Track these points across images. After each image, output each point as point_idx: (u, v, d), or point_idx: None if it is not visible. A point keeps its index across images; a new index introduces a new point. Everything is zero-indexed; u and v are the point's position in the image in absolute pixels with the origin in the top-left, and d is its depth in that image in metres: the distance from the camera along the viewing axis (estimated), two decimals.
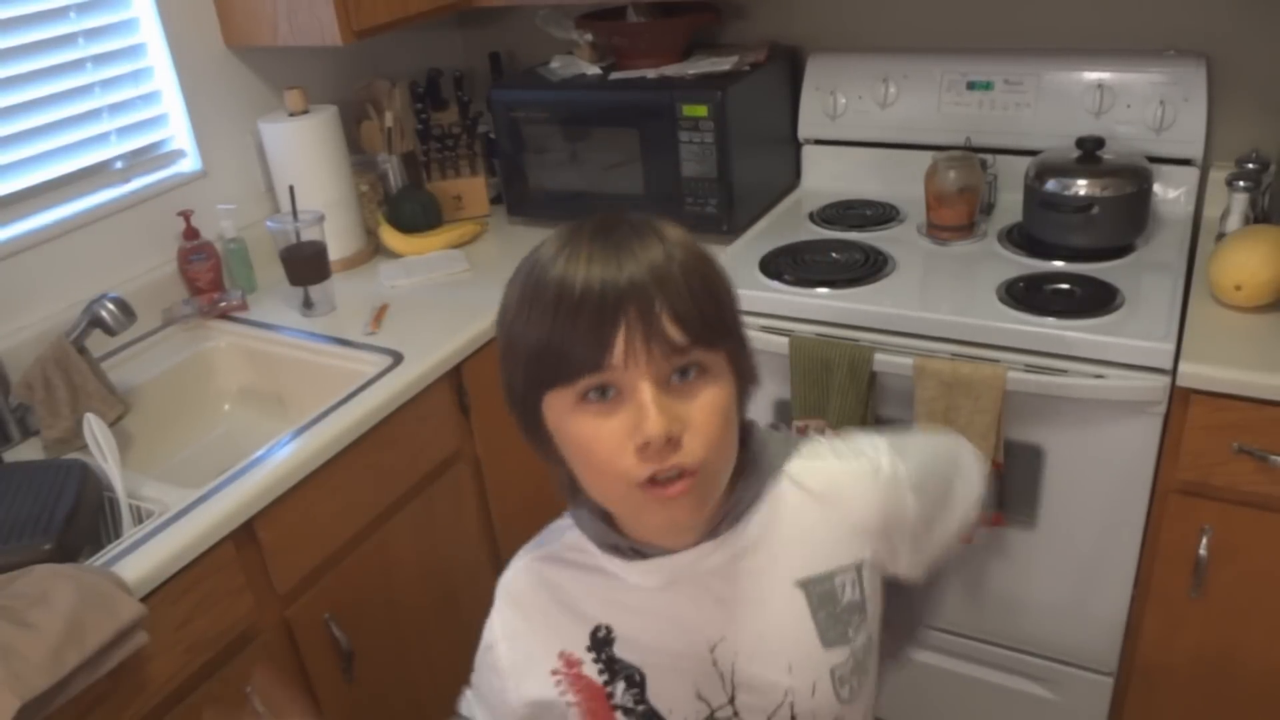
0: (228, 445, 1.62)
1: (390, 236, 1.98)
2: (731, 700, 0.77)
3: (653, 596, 0.77)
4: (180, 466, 1.58)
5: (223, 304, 1.78)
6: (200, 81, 1.82)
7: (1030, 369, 1.46)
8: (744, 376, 0.74)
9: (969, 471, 0.89)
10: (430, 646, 1.66)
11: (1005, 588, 1.65)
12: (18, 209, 1.59)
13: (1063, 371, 1.45)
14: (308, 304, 1.76)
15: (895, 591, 0.85)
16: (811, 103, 2.03)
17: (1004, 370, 1.45)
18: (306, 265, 1.75)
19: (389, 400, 1.49)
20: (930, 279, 1.67)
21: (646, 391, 0.66)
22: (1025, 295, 1.55)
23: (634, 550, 0.77)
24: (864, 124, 2.00)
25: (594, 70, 2.00)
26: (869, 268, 1.69)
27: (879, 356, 1.53)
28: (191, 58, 1.80)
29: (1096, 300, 1.52)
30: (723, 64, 1.91)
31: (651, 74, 1.93)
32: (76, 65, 1.64)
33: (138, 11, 1.73)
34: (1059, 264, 1.65)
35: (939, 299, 1.59)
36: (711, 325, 0.69)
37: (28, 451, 1.46)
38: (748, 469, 0.77)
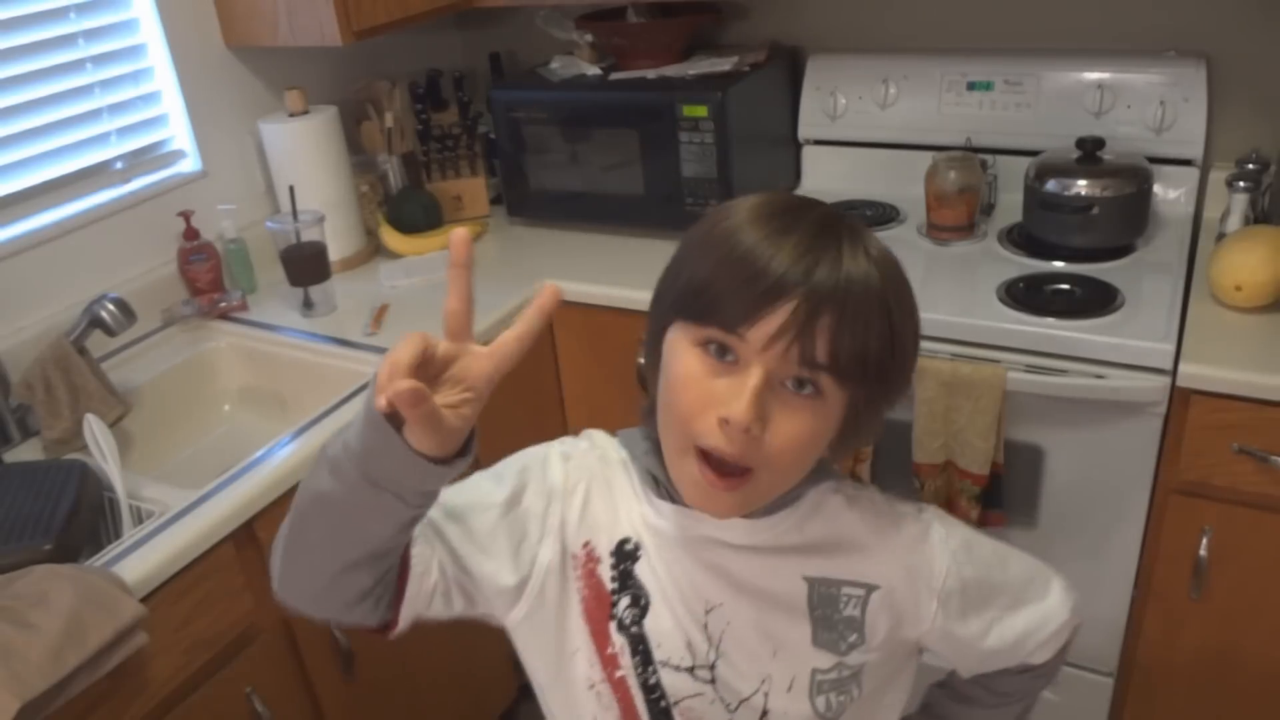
0: (228, 445, 1.62)
1: (390, 237, 1.99)
2: (712, 666, 0.77)
3: (672, 541, 0.78)
4: (180, 467, 1.58)
5: (223, 304, 1.78)
6: (200, 82, 1.82)
7: (1030, 369, 1.46)
8: (857, 426, 0.72)
9: (1047, 598, 0.87)
10: (430, 646, 1.66)
11: None
12: (18, 209, 1.59)
13: (1063, 371, 1.45)
14: (308, 304, 1.76)
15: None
16: (812, 103, 2.03)
17: (1004, 370, 1.45)
18: (306, 265, 1.75)
19: None
20: (930, 279, 1.67)
21: (757, 378, 0.66)
22: (1025, 295, 1.55)
23: (667, 493, 0.77)
24: (864, 124, 2.00)
25: (594, 71, 2.00)
26: None
27: None
28: (191, 58, 1.80)
29: (1096, 300, 1.52)
30: (723, 64, 1.91)
31: (651, 74, 1.93)
32: (76, 65, 1.64)
33: (138, 12, 1.73)
34: (1059, 264, 1.65)
35: (939, 299, 1.59)
36: (861, 365, 0.67)
37: (28, 451, 1.46)
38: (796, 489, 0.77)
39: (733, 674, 0.78)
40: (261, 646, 1.34)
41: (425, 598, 0.80)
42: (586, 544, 0.79)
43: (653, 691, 0.78)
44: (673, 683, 0.77)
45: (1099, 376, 1.43)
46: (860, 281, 0.66)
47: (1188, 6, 1.74)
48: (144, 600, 1.14)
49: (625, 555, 0.79)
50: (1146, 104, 1.75)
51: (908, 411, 1.54)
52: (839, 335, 0.65)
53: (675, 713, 0.78)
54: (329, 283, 1.78)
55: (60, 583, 1.08)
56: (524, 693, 2.00)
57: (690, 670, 0.77)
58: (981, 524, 1.56)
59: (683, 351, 0.70)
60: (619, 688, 0.78)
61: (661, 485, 0.78)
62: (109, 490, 1.33)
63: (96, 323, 1.51)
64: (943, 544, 0.79)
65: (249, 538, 1.30)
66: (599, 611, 0.79)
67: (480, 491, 0.80)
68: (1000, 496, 1.55)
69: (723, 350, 0.68)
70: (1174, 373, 1.38)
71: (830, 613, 0.77)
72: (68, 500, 1.23)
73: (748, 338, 0.66)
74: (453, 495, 0.80)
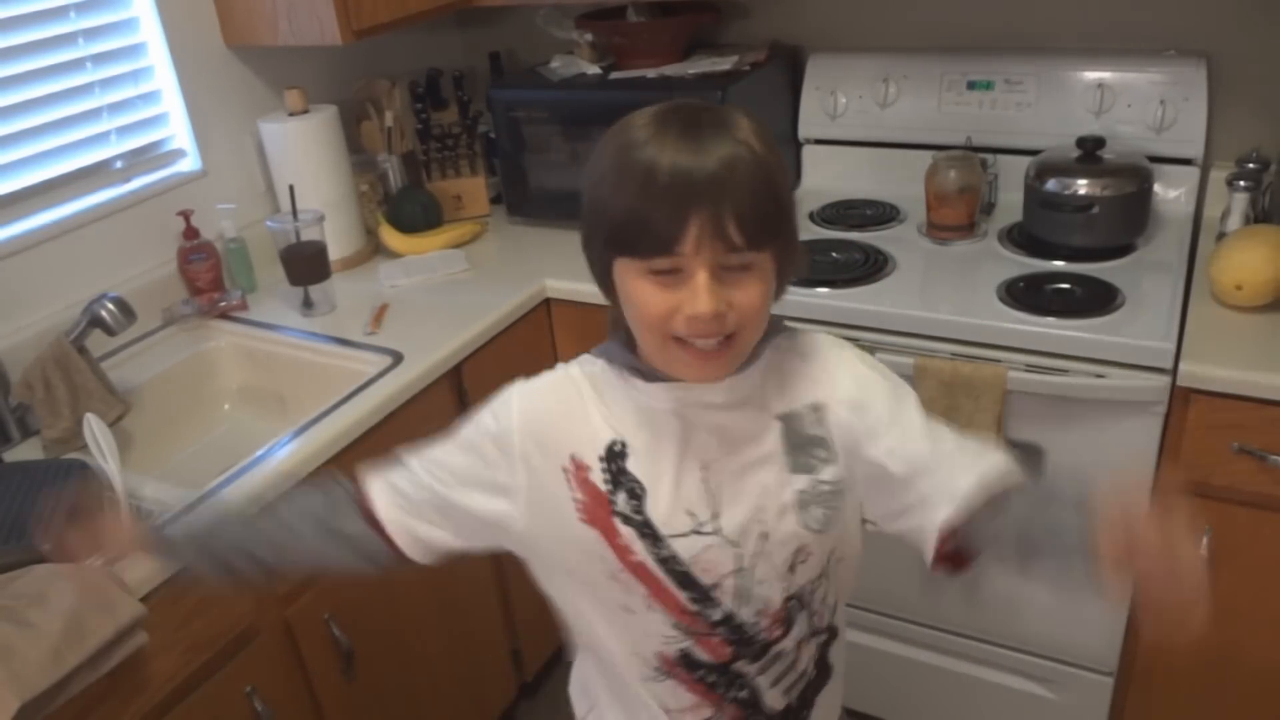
0: (228, 445, 1.62)
1: (390, 236, 1.98)
2: (715, 517, 0.87)
3: (663, 417, 0.88)
4: (180, 466, 1.58)
5: (223, 304, 1.78)
6: (200, 81, 1.82)
7: (1030, 369, 1.46)
8: (784, 269, 0.85)
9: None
10: (430, 646, 1.66)
11: (1005, 588, 1.65)
12: (18, 209, 1.59)
13: (1063, 371, 1.45)
14: (308, 304, 1.76)
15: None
16: (812, 102, 2.03)
17: (1004, 370, 1.45)
18: (306, 265, 1.75)
19: (389, 400, 1.49)
20: (930, 279, 1.67)
21: (703, 277, 0.78)
22: (1025, 295, 1.55)
23: (654, 374, 0.88)
24: (864, 124, 2.00)
25: (594, 70, 2.00)
26: (869, 267, 1.69)
27: (879, 356, 1.52)
28: (191, 57, 1.80)
29: (1097, 300, 1.52)
30: (723, 64, 1.91)
31: (651, 74, 1.93)
32: (76, 65, 1.64)
33: (137, 11, 1.73)
34: (1059, 264, 1.65)
35: (939, 299, 1.58)
36: (766, 228, 0.79)
37: (28, 451, 1.46)
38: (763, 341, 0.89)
39: (732, 518, 0.87)
40: (261, 646, 1.34)
41: (417, 532, 0.96)
42: (572, 457, 0.88)
43: (668, 562, 0.87)
44: (684, 547, 0.87)
45: (1099, 376, 1.43)
46: (744, 162, 0.78)
47: (1188, 6, 1.74)
48: (144, 600, 1.14)
49: (614, 455, 0.88)
50: (1147, 103, 1.75)
51: None
52: (743, 216, 0.77)
53: (693, 570, 0.88)
54: (329, 282, 1.78)
55: (60, 582, 1.08)
56: (524, 692, 2.00)
57: (696, 531, 0.87)
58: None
59: (636, 282, 0.81)
60: (638, 570, 0.87)
61: (645, 372, 0.88)
62: (109, 490, 1.33)
63: (96, 322, 1.51)
64: (851, 363, 0.92)
65: None
66: (600, 510, 0.87)
67: (442, 450, 0.94)
68: None
69: (669, 270, 0.79)
70: (1174, 372, 1.38)
71: (799, 440, 0.89)
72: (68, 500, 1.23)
73: (682, 251, 0.78)
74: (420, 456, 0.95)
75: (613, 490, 0.87)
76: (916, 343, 1.54)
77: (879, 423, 0.88)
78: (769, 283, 0.83)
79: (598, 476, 0.87)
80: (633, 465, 0.87)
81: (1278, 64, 1.71)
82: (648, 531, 0.87)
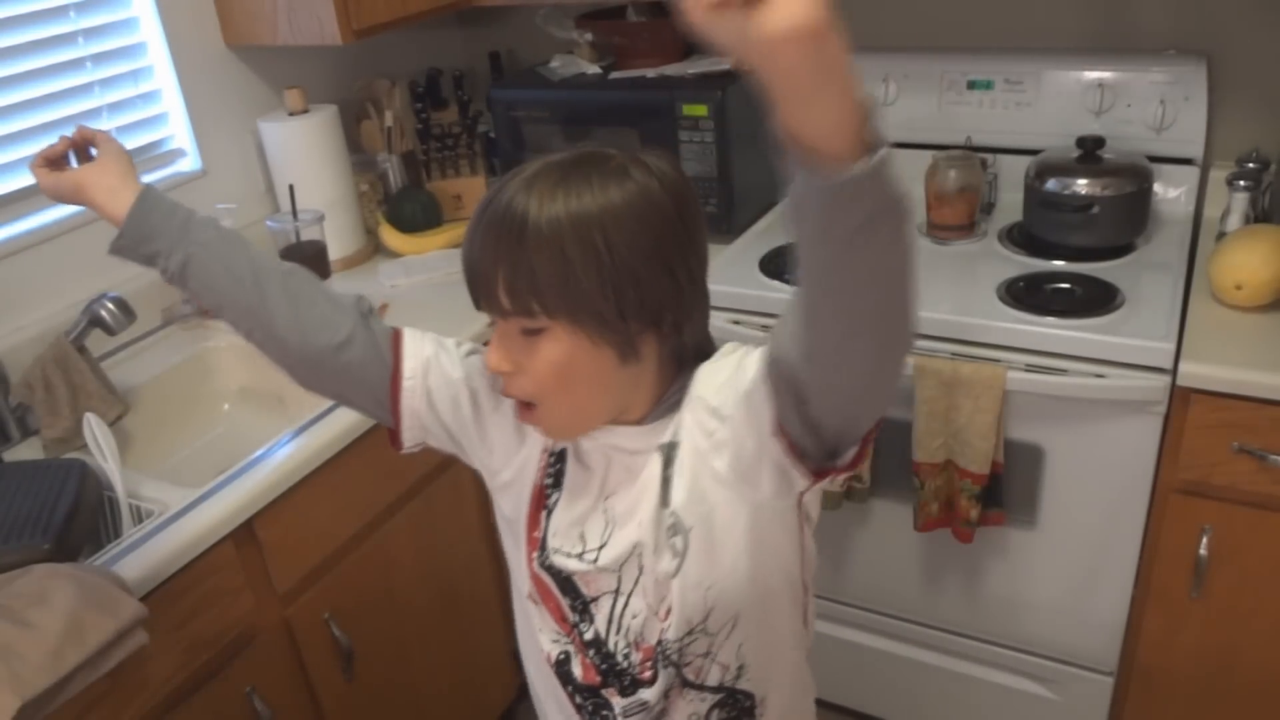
0: (227, 445, 1.62)
1: (390, 236, 1.98)
2: (601, 548, 0.87)
3: (585, 444, 0.89)
4: (180, 466, 1.58)
5: None
6: (200, 81, 1.82)
7: (1030, 369, 1.46)
8: (610, 338, 0.79)
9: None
10: (430, 646, 1.66)
11: (1005, 588, 1.65)
12: (17, 208, 1.59)
13: (1063, 371, 1.45)
14: None
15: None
16: None
17: (1004, 370, 1.45)
18: (306, 265, 1.72)
19: None
20: (930, 278, 1.67)
21: (494, 334, 0.82)
22: (1025, 295, 1.55)
23: None
24: None
25: (594, 70, 2.00)
26: None
27: None
28: (191, 57, 1.80)
29: (1097, 300, 1.52)
30: (723, 63, 1.91)
31: (651, 73, 1.93)
32: (76, 64, 1.64)
33: (137, 10, 1.73)
34: (1059, 263, 1.65)
35: (939, 298, 1.59)
36: (542, 298, 0.76)
37: (28, 451, 1.46)
38: (675, 391, 0.85)
39: (613, 550, 0.87)
40: (261, 646, 1.34)
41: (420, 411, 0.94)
42: (545, 448, 0.91)
43: (550, 568, 0.90)
44: (563, 563, 0.89)
45: (1099, 376, 1.43)
46: (534, 229, 0.75)
47: (1188, 6, 1.74)
48: (144, 599, 1.14)
49: (559, 456, 0.90)
50: (1147, 103, 1.75)
51: (908, 411, 1.54)
52: (510, 283, 0.77)
53: (575, 578, 0.89)
54: (328, 282, 1.78)
55: (60, 582, 1.08)
56: (523, 692, 2.00)
57: (579, 556, 0.88)
58: (981, 523, 1.56)
59: None
60: (530, 564, 0.91)
61: None
62: (109, 489, 1.33)
63: (96, 322, 1.51)
64: (712, 374, 0.86)
65: (249, 537, 1.30)
66: (537, 503, 0.91)
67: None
68: (1000, 496, 1.55)
69: (492, 322, 0.82)
70: (1174, 372, 1.38)
71: (668, 472, 0.85)
72: (67, 500, 1.23)
73: (480, 309, 0.81)
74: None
75: (551, 487, 0.90)
76: (916, 342, 1.54)
77: (723, 438, 0.82)
78: (569, 351, 0.79)
79: (548, 469, 0.90)
80: (567, 473, 0.90)
81: (1278, 64, 1.71)
82: (542, 538, 0.90)
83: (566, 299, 0.77)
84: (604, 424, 0.86)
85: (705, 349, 0.87)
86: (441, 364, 0.93)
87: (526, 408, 0.83)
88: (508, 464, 0.93)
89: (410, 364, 0.92)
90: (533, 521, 0.91)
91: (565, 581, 0.89)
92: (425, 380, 0.92)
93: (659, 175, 0.79)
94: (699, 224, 0.83)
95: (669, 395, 0.86)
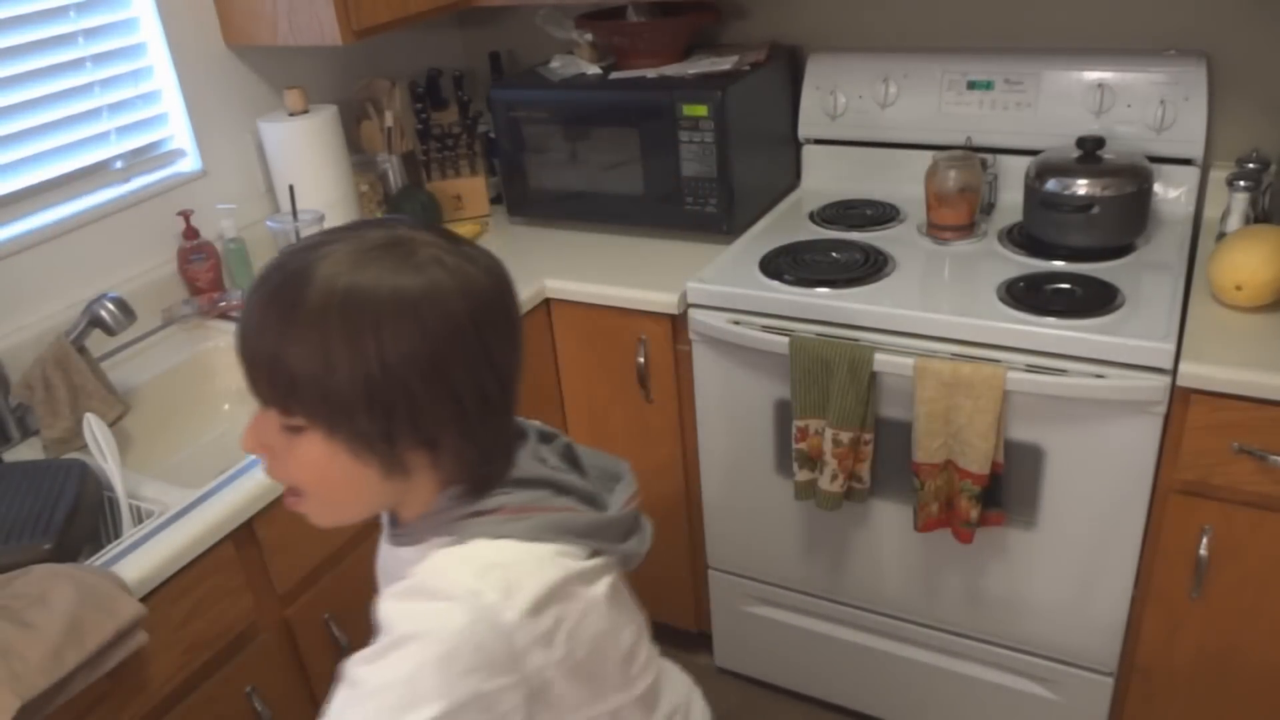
0: (228, 445, 1.62)
1: None
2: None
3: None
4: (180, 466, 1.58)
5: (223, 304, 1.78)
6: (200, 81, 1.82)
7: (1030, 369, 1.46)
8: (372, 456, 0.75)
9: None
10: None
11: (1005, 588, 1.65)
12: (17, 209, 1.59)
13: (1063, 371, 1.45)
14: None
15: None
16: (812, 102, 2.03)
17: (1004, 370, 1.45)
18: None
19: None
20: (930, 279, 1.67)
21: (256, 413, 0.78)
22: (1025, 295, 1.55)
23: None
24: (864, 124, 2.00)
25: (594, 70, 2.00)
26: (869, 267, 1.69)
27: (879, 356, 1.53)
28: (191, 57, 1.80)
29: (1096, 300, 1.52)
30: (723, 64, 1.91)
31: (651, 74, 1.93)
32: (76, 64, 1.64)
33: (137, 11, 1.72)
34: (1059, 264, 1.65)
35: (939, 299, 1.58)
36: (302, 404, 0.73)
37: (28, 451, 1.46)
38: (432, 517, 0.81)
39: None
40: (261, 646, 1.34)
41: None
42: None
43: None
44: None
45: (1099, 376, 1.43)
46: (244, 329, 0.74)
47: (1188, 6, 1.74)
48: (144, 600, 1.14)
49: None
50: (1147, 103, 1.75)
51: (908, 411, 1.54)
52: (270, 376, 0.73)
53: None
54: None
55: (60, 582, 1.08)
56: None
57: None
58: (981, 523, 1.56)
59: None
60: None
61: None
62: (109, 490, 1.33)
63: (96, 322, 1.51)
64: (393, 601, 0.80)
65: (249, 537, 1.30)
66: None
67: None
68: (1000, 496, 1.55)
69: None
70: (1174, 372, 1.38)
71: None
72: (67, 500, 1.23)
73: (249, 388, 0.77)
74: None
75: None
76: (916, 343, 1.54)
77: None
78: (321, 451, 0.75)
79: None
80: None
81: (1278, 64, 1.71)
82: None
83: (327, 409, 0.73)
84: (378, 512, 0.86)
85: (499, 474, 0.80)
86: None
87: (292, 493, 0.81)
88: None
89: None
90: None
91: None
92: None
93: (462, 277, 0.73)
94: (502, 336, 0.76)
95: (440, 512, 0.80)
